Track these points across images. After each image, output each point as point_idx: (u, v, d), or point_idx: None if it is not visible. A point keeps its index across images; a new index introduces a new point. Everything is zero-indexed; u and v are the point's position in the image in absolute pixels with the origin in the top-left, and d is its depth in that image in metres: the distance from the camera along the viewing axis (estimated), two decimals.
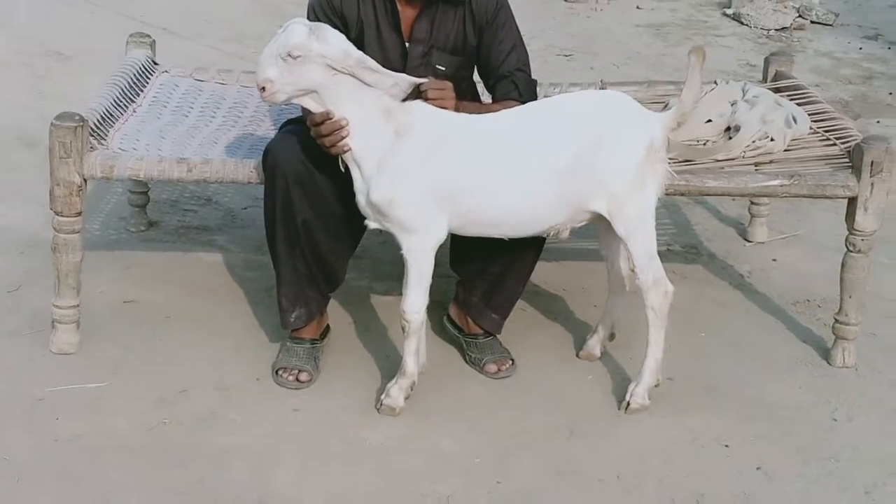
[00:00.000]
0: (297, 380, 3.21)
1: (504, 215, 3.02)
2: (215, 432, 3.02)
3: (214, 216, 4.27)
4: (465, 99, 3.23)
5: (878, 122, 5.52)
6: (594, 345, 3.39)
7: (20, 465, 2.86)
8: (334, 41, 2.91)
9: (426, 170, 2.95)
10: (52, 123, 3.16)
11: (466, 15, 3.25)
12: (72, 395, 3.14)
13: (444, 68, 3.25)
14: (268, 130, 3.59)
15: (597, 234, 3.30)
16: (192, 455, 2.93)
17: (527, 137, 3.00)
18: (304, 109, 3.01)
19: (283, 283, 3.24)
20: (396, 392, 3.10)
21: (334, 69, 2.89)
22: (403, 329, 3.08)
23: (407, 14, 3.24)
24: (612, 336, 3.41)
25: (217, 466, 2.89)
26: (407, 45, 3.25)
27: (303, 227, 3.15)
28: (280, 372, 3.23)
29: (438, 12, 3.24)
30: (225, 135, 3.58)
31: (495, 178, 2.98)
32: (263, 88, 2.90)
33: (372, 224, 3.05)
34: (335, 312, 3.53)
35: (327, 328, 3.38)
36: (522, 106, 3.12)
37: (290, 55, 2.86)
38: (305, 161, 3.11)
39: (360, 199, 3.01)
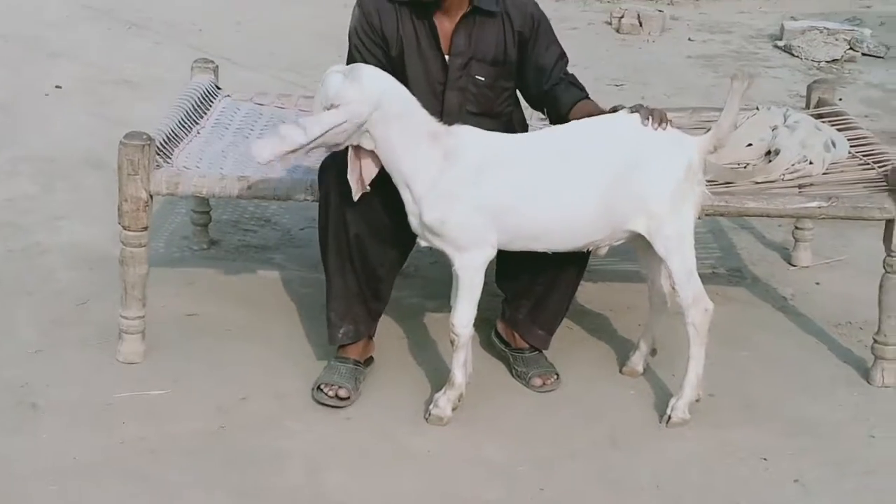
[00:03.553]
0: (337, 396, 3.28)
1: (547, 229, 3.14)
2: (271, 438, 3.15)
3: (273, 236, 4.43)
4: (505, 108, 3.44)
5: None
6: (637, 361, 3.49)
7: (88, 464, 3.01)
8: (368, 79, 3.04)
9: (476, 189, 3.08)
10: (120, 142, 3.34)
11: (506, 27, 3.38)
12: (137, 401, 3.29)
13: (483, 78, 3.38)
14: (324, 153, 3.74)
15: (636, 253, 3.41)
16: (249, 459, 3.07)
17: (568, 155, 3.13)
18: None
19: (332, 297, 3.35)
20: (444, 402, 3.22)
21: (375, 107, 3.02)
22: (452, 343, 3.20)
23: (445, 28, 3.37)
24: (653, 352, 3.51)
25: (273, 469, 3.03)
26: (447, 58, 3.38)
27: (355, 240, 3.27)
28: (321, 387, 3.30)
29: (475, 25, 3.36)
30: None
31: (539, 194, 3.10)
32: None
33: (423, 243, 3.19)
34: (388, 328, 3.65)
35: (371, 358, 3.46)
36: (564, 125, 3.26)
37: (332, 105, 3.00)
38: None
39: (413, 221, 3.14)
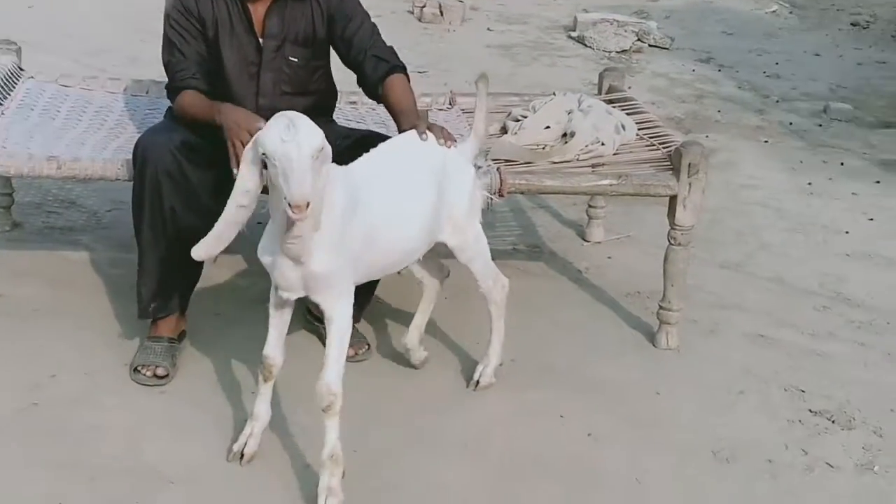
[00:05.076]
0: (155, 375, 3.33)
1: (398, 256, 3.08)
2: (86, 412, 3.18)
3: (79, 218, 4.40)
4: (319, 86, 3.54)
5: (706, 136, 5.96)
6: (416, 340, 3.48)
7: None
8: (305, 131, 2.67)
9: (349, 230, 2.85)
10: None
11: (314, 7, 3.48)
12: None
13: (296, 60, 3.48)
14: (134, 132, 3.75)
15: None
16: (64, 433, 3.08)
17: (403, 178, 3.07)
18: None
19: (144, 271, 3.36)
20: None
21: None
22: (327, 409, 2.85)
23: (258, 11, 3.44)
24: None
25: (89, 443, 3.06)
26: (261, 41, 3.45)
27: (170, 213, 3.28)
28: (139, 368, 3.34)
29: (287, 7, 3.45)
30: (92, 136, 3.74)
31: (393, 224, 3.01)
32: (308, 204, 2.58)
33: (292, 295, 2.88)
34: (201, 304, 3.70)
35: (184, 333, 3.51)
36: (386, 146, 3.17)
37: (321, 152, 2.65)
38: (175, 154, 3.26)
39: (294, 272, 2.81)
